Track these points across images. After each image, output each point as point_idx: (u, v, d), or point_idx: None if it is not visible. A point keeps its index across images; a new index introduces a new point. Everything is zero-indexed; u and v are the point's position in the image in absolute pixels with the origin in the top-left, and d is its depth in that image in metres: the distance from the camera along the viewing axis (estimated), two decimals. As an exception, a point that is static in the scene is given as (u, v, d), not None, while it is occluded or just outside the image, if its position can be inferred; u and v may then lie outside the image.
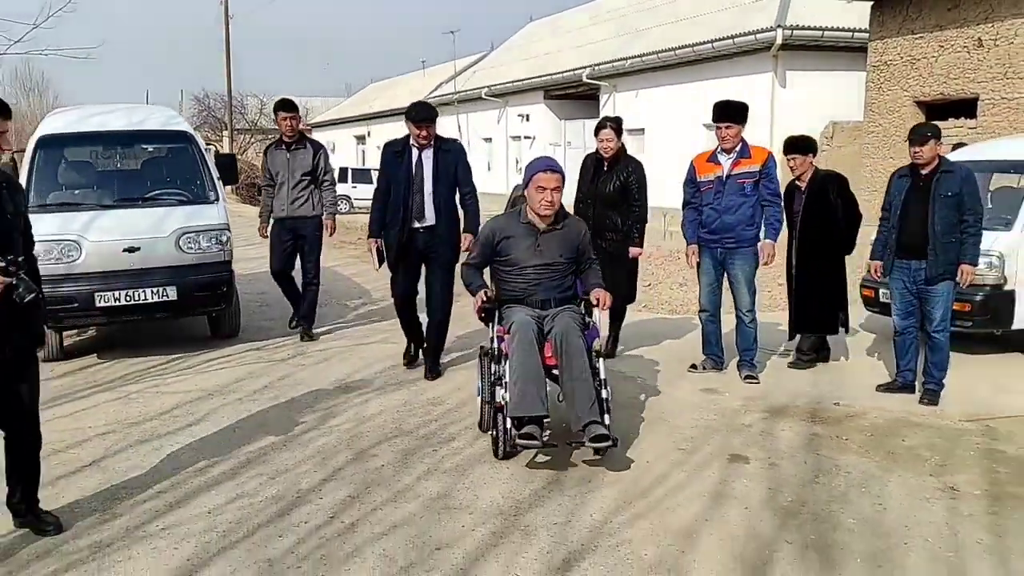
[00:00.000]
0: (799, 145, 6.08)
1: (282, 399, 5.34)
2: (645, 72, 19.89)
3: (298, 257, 7.15)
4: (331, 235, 7.31)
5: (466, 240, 5.66)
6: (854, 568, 3.08)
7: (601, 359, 4.21)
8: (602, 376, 4.14)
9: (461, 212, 5.86)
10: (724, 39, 17.26)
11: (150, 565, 3.18)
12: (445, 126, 28.86)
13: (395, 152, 5.65)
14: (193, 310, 6.62)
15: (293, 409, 5.12)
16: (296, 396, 5.41)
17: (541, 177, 4.31)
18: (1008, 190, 7.19)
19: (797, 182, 6.16)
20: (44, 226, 6.07)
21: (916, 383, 5.43)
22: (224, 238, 6.57)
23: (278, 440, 4.56)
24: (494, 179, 25.23)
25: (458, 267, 5.01)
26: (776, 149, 18.74)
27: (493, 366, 4.29)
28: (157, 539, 3.39)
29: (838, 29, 16.31)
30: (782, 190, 5.94)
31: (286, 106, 7.08)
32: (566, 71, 22.43)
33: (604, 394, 4.08)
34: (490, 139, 26.85)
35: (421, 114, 5.52)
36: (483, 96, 26.03)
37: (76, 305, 6.07)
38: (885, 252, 5.53)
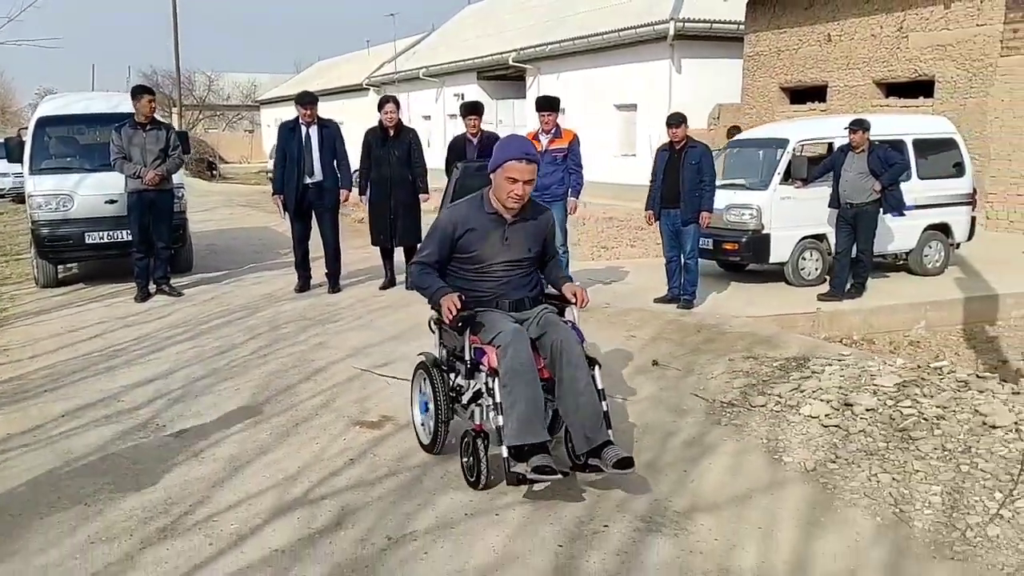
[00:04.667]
0: (478, 108, 7.99)
1: (224, 303, 7.62)
2: (565, 57, 21.93)
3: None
4: (145, 180, 7.58)
5: (344, 194, 7.90)
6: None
7: (597, 366, 3.68)
8: (599, 386, 3.62)
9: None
10: (628, 29, 19.43)
11: (144, 376, 5.41)
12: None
13: (289, 128, 7.77)
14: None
15: (232, 308, 7.40)
16: (235, 302, 7.68)
17: (515, 166, 3.62)
18: (768, 161, 9.59)
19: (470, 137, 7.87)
20: (46, 184, 8.25)
21: (680, 297, 7.82)
22: (180, 194, 8.63)
23: (222, 322, 6.86)
24: (433, 155, 27.05)
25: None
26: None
27: (461, 380, 3.80)
28: (145, 366, 5.63)
29: (725, 22, 18.44)
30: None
31: (149, 91, 7.90)
32: (495, 54, 24.43)
33: (604, 406, 3.60)
34: (429, 116, 28.79)
35: (306, 99, 7.73)
36: (421, 76, 27.92)
37: (71, 242, 8.22)
38: (655, 204, 7.91)
